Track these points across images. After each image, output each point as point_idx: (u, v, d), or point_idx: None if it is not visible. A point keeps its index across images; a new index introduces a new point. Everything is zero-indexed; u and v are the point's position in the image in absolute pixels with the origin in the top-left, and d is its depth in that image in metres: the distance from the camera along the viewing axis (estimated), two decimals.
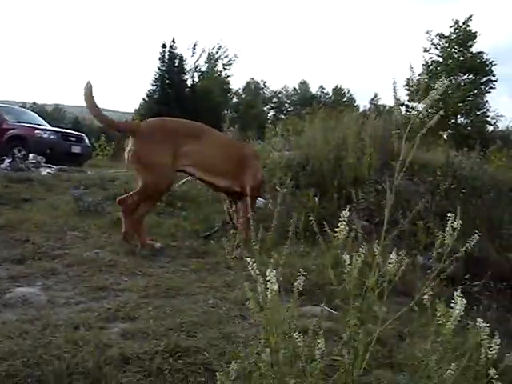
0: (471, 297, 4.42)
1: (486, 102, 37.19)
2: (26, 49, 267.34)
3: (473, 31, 36.61)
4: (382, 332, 1.67)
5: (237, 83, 48.86)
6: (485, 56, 36.69)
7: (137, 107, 42.88)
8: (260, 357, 1.29)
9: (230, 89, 45.61)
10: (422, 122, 1.62)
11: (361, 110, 27.91)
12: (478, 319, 1.27)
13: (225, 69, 42.99)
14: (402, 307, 1.74)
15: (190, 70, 40.13)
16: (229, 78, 44.01)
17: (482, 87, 36.90)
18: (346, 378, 1.45)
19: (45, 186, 7.48)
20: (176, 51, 38.41)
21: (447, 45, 36.98)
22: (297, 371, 1.25)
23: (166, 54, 37.99)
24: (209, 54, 41.88)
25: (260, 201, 5.19)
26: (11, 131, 14.60)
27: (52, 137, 14.85)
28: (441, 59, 37.23)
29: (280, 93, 66.93)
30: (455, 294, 1.27)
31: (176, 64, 38.22)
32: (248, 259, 1.37)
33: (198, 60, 40.85)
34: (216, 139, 4.95)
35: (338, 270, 1.57)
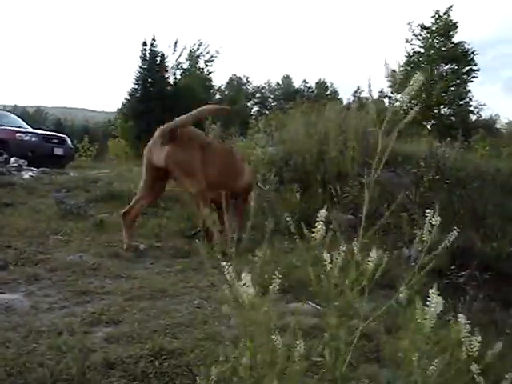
0: (457, 288, 4.45)
1: (469, 91, 37.37)
2: (6, 51, 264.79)
3: (454, 21, 36.76)
4: (367, 327, 1.66)
5: (219, 80, 48.86)
6: (466, 46, 36.87)
7: (119, 107, 42.64)
8: (239, 360, 1.27)
9: (212, 85, 45.32)
10: (405, 113, 1.61)
11: (344, 103, 27.95)
12: (460, 315, 1.26)
13: (207, 65, 42.67)
14: (388, 301, 1.73)
15: (172, 67, 39.82)
16: (211, 75, 43.76)
17: (465, 77, 37.05)
18: (330, 377, 1.44)
19: (26, 190, 7.40)
20: (157, 49, 38.08)
21: (429, 35, 37.08)
22: (276, 374, 1.24)
23: (147, 52, 37.67)
24: (190, 51, 41.56)
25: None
26: None
27: (34, 139, 14.69)
28: (422, 50, 37.31)
29: (263, 88, 66.88)
30: (430, 291, 1.26)
31: (157, 62, 37.96)
32: (223, 263, 1.35)
33: (179, 57, 40.48)
34: (216, 150, 4.90)
35: (318, 267, 1.55)
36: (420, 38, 37.55)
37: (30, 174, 9.93)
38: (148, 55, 37.85)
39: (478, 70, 37.08)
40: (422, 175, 6.57)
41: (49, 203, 6.25)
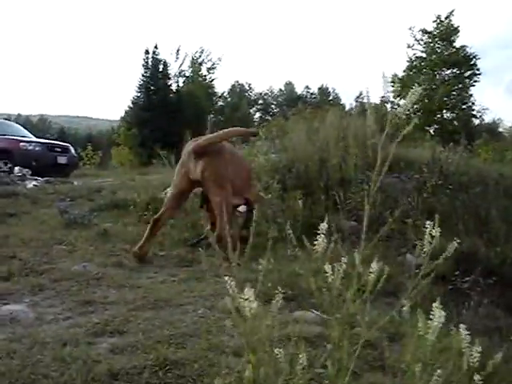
0: (461, 293, 4.44)
1: (471, 95, 37.35)
2: (9, 60, 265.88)
3: (455, 26, 36.77)
4: (371, 335, 1.66)
5: (222, 86, 48.96)
6: (468, 50, 36.85)
7: (122, 115, 42.75)
8: (242, 373, 1.27)
9: (215, 92, 45.50)
10: (407, 118, 1.61)
11: (347, 108, 27.99)
12: (461, 325, 1.26)
13: (209, 72, 42.85)
14: (391, 308, 1.73)
15: (175, 75, 39.99)
16: (213, 82, 43.93)
17: (467, 81, 37.01)
18: None
19: (30, 200, 7.41)
20: (159, 57, 38.27)
21: (430, 40, 37.09)
22: None
23: (150, 60, 37.83)
24: (192, 59, 41.73)
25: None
26: None
27: (37, 148, 14.72)
28: (424, 55, 37.32)
29: (266, 94, 66.93)
30: (434, 305, 1.26)
31: (160, 69, 38.07)
32: (226, 275, 1.35)
33: (181, 65, 40.68)
34: (238, 159, 5.17)
35: (321, 278, 1.55)
36: (422, 42, 37.59)
37: (34, 183, 9.95)
38: (150, 63, 38.01)
39: (480, 74, 37.10)
40: (425, 180, 6.55)
41: (53, 213, 6.26)
